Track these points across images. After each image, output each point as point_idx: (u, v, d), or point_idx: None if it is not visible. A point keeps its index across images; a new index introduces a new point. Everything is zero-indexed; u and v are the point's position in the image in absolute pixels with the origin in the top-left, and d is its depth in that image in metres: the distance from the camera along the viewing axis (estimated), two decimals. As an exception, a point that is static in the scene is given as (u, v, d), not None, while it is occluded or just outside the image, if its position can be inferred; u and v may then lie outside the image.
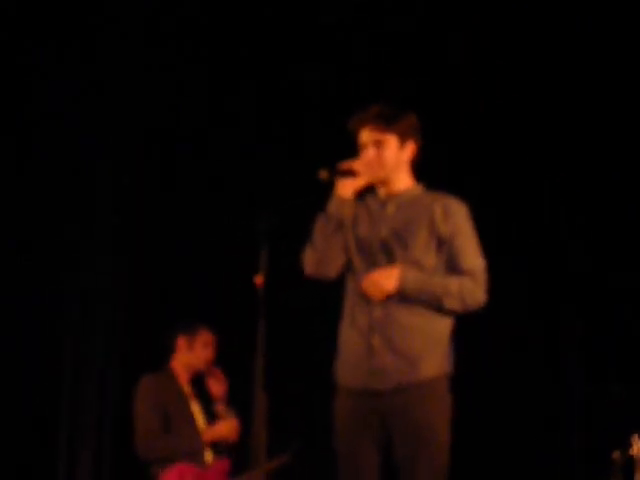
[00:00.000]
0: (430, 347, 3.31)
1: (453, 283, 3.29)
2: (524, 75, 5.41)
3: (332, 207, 3.34)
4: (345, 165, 3.33)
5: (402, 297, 3.27)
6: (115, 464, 5.63)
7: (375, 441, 3.29)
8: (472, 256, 3.35)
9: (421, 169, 3.52)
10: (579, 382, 5.37)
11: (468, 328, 3.52)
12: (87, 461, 5.59)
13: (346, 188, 3.32)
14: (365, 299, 3.32)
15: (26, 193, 5.51)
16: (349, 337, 3.37)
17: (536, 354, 5.44)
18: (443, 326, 3.36)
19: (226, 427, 4.74)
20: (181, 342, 4.85)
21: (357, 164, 3.33)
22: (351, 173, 3.31)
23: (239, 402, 4.70)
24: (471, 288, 3.31)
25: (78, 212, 5.67)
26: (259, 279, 3.41)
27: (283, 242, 3.54)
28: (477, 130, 5.43)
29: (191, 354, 4.84)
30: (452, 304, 3.29)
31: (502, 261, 3.93)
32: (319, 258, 3.36)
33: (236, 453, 4.74)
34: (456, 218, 3.36)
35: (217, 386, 4.83)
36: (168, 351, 4.88)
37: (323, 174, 3.31)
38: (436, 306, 3.30)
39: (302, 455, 4.71)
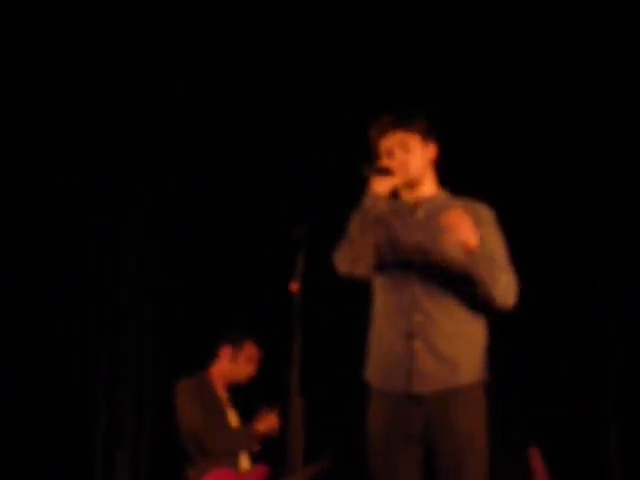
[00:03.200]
0: (469, 353, 3.30)
1: (504, 277, 3.26)
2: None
3: (368, 203, 3.31)
4: (382, 163, 3.35)
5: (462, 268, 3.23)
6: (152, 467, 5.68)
7: (415, 452, 3.24)
8: (506, 263, 3.34)
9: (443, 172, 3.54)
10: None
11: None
12: (124, 464, 5.65)
13: (382, 185, 3.31)
14: (402, 302, 3.30)
15: (72, 199, 5.66)
16: (386, 340, 3.34)
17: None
18: (480, 332, 3.35)
19: (267, 422, 4.71)
20: (226, 351, 4.81)
21: (392, 163, 3.35)
22: (387, 172, 3.33)
23: (275, 408, 4.71)
24: (512, 286, 3.28)
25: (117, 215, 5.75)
26: (295, 286, 3.39)
27: (318, 249, 3.54)
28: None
29: (233, 366, 4.80)
30: (498, 293, 3.24)
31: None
32: (355, 254, 3.28)
33: (274, 459, 4.74)
34: (488, 226, 3.35)
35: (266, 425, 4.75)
36: (209, 356, 4.85)
37: (366, 170, 3.32)
38: (482, 292, 3.23)
39: (339, 460, 4.70)
